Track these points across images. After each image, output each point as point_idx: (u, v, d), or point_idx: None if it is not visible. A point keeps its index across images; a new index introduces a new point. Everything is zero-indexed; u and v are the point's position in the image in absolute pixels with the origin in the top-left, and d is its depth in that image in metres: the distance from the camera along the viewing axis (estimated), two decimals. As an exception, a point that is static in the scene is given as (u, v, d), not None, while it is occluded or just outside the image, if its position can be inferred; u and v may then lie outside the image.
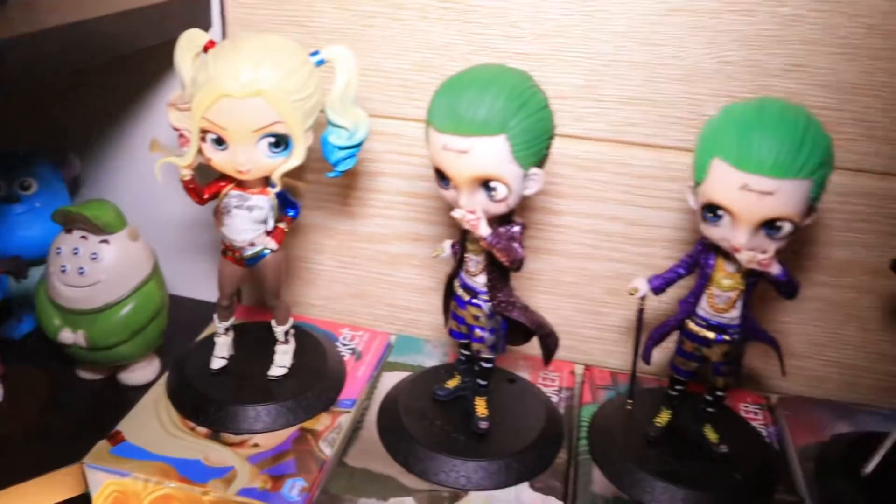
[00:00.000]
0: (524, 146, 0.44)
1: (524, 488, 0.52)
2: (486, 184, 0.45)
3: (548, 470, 0.54)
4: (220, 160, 0.48)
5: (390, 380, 0.62)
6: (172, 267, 0.64)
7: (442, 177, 0.46)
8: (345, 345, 0.66)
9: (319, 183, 0.64)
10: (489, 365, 0.53)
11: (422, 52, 0.59)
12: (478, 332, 0.52)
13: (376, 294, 0.69)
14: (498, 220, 0.47)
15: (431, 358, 0.65)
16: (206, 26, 0.60)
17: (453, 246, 0.53)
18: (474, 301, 0.51)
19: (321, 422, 0.57)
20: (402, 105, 0.61)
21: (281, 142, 0.48)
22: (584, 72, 0.57)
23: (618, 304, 0.64)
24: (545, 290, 0.65)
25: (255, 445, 0.54)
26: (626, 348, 0.65)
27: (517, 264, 0.48)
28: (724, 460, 0.54)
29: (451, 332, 0.54)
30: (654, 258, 0.61)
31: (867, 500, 0.50)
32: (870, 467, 0.50)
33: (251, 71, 0.45)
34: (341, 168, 0.53)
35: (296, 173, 0.50)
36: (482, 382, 0.54)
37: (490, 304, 0.50)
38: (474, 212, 0.45)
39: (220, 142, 0.48)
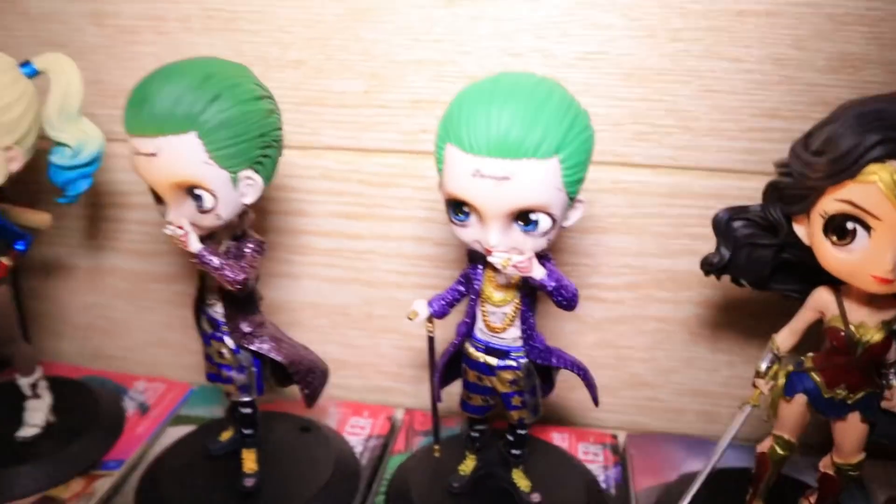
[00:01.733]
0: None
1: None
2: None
3: (328, 533, 0.45)
4: None
5: (175, 435, 0.54)
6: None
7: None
8: (134, 398, 0.58)
9: (110, 220, 0.58)
10: (248, 410, 0.46)
11: (189, 64, 0.53)
12: (224, 371, 0.44)
13: (179, 341, 0.61)
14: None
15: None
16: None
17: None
18: (217, 335, 0.44)
19: (72, 488, 0.48)
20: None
21: (-28, 161, 0.41)
22: (364, 77, 0.51)
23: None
24: (355, 325, 0.58)
25: None
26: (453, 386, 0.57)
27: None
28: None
29: (208, 376, 0.46)
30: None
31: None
32: None
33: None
34: (72, 192, 0.46)
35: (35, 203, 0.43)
36: (246, 432, 0.47)
37: (230, 337, 0.43)
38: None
39: None
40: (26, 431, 0.50)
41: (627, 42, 0.48)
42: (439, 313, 0.44)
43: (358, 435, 0.54)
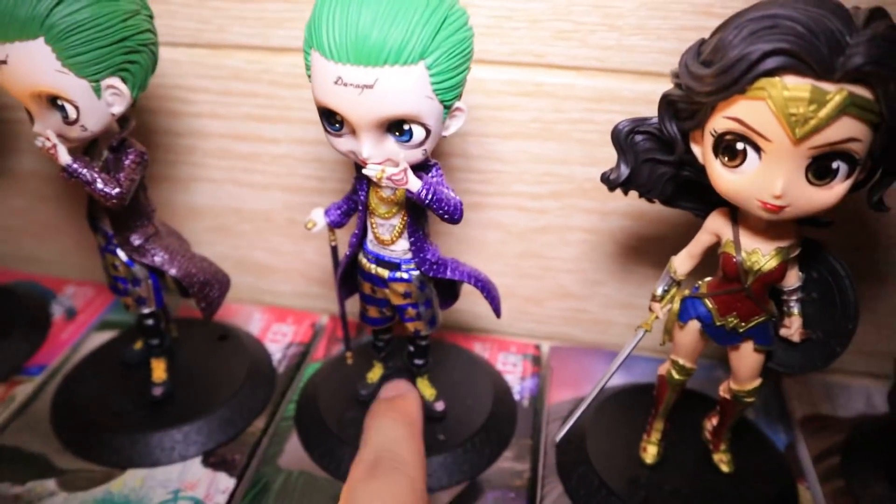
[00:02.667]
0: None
1: (194, 463, 0.44)
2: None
3: (236, 440, 0.46)
4: None
5: (99, 341, 0.54)
6: None
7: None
8: (62, 303, 0.58)
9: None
10: (150, 322, 0.45)
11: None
12: (120, 284, 0.43)
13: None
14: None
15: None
16: None
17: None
18: (109, 247, 0.42)
19: (-8, 392, 0.49)
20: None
21: None
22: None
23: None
24: (280, 231, 0.56)
25: None
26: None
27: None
28: (438, 419, 0.46)
29: (110, 288, 0.45)
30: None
31: (587, 468, 0.42)
32: (559, 437, 0.42)
33: None
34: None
35: None
36: (152, 342, 0.46)
37: (121, 249, 0.42)
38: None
39: None
40: None
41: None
42: (336, 223, 0.43)
43: (279, 342, 0.54)
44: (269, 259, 0.58)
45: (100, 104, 0.36)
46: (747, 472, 0.42)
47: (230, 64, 0.50)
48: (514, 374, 0.51)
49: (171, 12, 0.49)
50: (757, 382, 0.38)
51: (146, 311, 0.45)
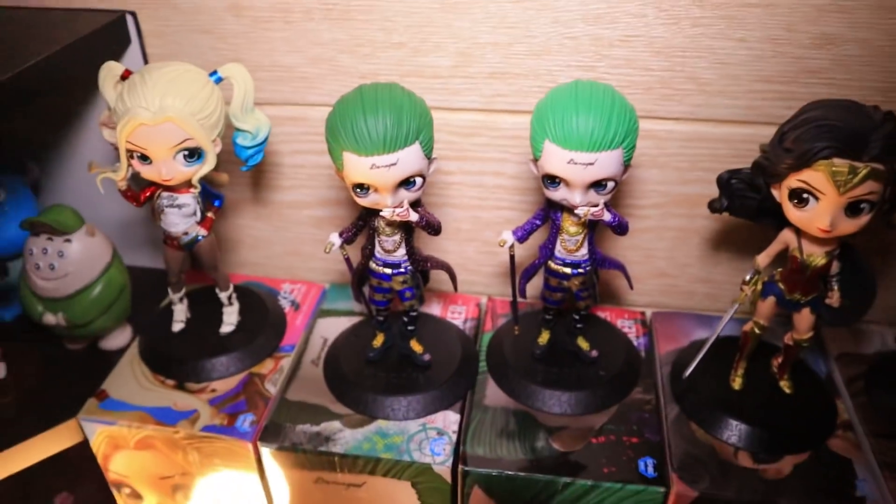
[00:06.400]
0: (430, 143, 0.55)
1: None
2: (406, 181, 0.54)
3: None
4: (147, 172, 0.59)
5: (324, 325, 0.74)
6: (130, 247, 0.75)
7: (362, 188, 0.54)
8: (285, 297, 0.78)
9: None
10: (415, 313, 0.66)
11: (314, 48, 0.68)
12: (407, 293, 0.63)
13: (309, 251, 0.81)
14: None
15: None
16: (125, 42, 0.69)
17: (340, 235, 0.61)
18: (398, 272, 0.62)
19: (266, 366, 0.69)
20: (305, 93, 0.71)
21: (194, 153, 0.58)
22: (452, 55, 0.66)
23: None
24: (448, 237, 0.76)
25: (213, 391, 0.67)
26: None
27: (439, 228, 0.59)
28: (593, 363, 0.66)
29: (380, 304, 0.65)
30: (532, 204, 0.72)
31: (696, 394, 0.63)
32: (687, 373, 0.63)
33: (159, 101, 0.54)
34: (251, 163, 0.63)
35: (217, 167, 0.60)
36: (411, 328, 0.66)
37: (412, 265, 0.62)
38: (402, 205, 0.54)
39: (144, 158, 0.58)
40: (226, 328, 0.70)
41: (659, 28, 0.62)
42: (522, 239, 0.61)
43: (458, 318, 0.74)
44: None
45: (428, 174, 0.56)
46: (802, 392, 0.63)
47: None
48: (631, 333, 0.72)
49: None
50: (811, 333, 0.59)
51: (419, 305, 0.65)
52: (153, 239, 0.83)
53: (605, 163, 0.52)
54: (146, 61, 0.71)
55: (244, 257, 0.83)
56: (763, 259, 0.58)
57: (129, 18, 0.69)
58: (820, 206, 0.50)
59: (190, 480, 0.67)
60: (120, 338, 0.73)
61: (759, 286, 0.58)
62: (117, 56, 0.70)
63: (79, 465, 0.68)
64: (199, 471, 0.66)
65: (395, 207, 0.55)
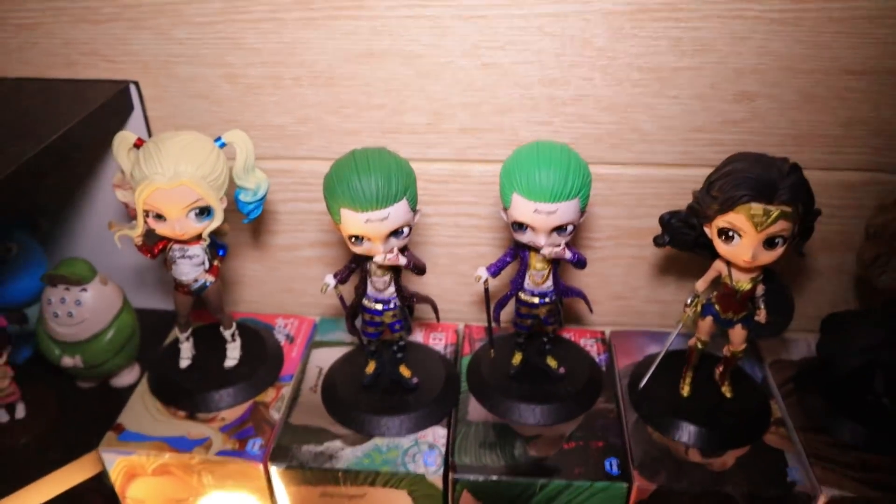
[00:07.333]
0: (415, 197, 0.62)
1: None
2: (395, 231, 0.61)
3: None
4: (161, 229, 0.66)
5: (318, 355, 0.82)
6: (137, 292, 0.82)
7: (357, 238, 0.61)
8: (280, 332, 0.86)
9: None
10: (403, 342, 0.74)
11: (302, 109, 0.76)
12: (397, 325, 0.71)
13: (300, 288, 0.88)
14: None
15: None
16: (130, 110, 0.76)
17: (335, 276, 0.69)
18: (387, 307, 0.69)
19: (269, 395, 0.76)
20: (295, 149, 0.79)
21: (204, 210, 0.65)
22: (427, 114, 0.75)
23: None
24: (429, 271, 0.84)
25: (223, 419, 0.73)
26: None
27: (424, 269, 0.67)
28: (562, 379, 0.75)
29: (371, 335, 0.72)
30: (503, 240, 0.81)
31: (651, 402, 0.73)
32: (641, 385, 0.73)
33: (174, 168, 0.62)
34: (252, 216, 0.70)
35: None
36: (400, 355, 0.74)
37: (400, 301, 0.70)
38: (392, 251, 0.62)
39: (159, 216, 0.65)
40: (230, 362, 0.77)
41: (605, 88, 0.72)
42: (495, 274, 0.69)
43: (439, 344, 0.83)
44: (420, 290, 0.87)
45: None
46: (741, 395, 0.72)
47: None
48: (593, 351, 0.82)
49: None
50: (744, 346, 0.69)
51: (408, 335, 0.73)
52: (154, 282, 0.90)
53: (565, 211, 0.61)
54: (148, 124, 0.78)
55: (241, 296, 0.90)
56: (701, 284, 0.68)
57: (132, 87, 0.76)
58: (743, 241, 0.60)
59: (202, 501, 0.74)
60: (129, 375, 0.80)
61: (699, 308, 0.68)
62: (122, 121, 0.77)
63: (91, 500, 0.74)
64: (211, 492, 0.73)
65: (386, 253, 0.63)
